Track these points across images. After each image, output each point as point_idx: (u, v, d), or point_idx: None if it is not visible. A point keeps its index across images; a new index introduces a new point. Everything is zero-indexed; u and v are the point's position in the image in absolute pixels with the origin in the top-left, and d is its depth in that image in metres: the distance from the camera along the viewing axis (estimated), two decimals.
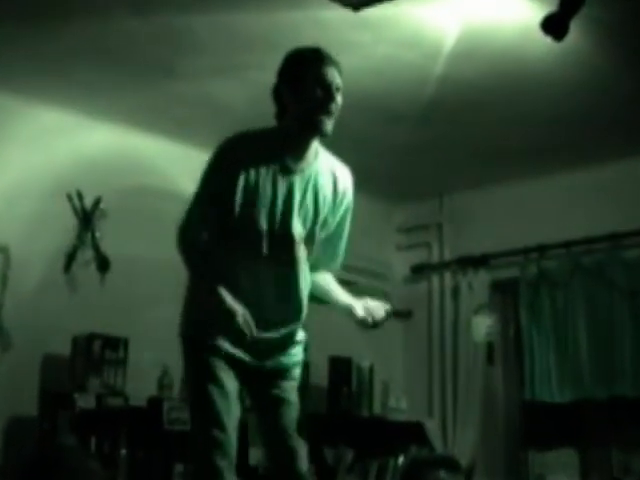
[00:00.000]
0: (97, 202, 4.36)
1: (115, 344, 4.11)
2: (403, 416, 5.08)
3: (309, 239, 2.48)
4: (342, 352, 4.99)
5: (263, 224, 2.38)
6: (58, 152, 4.28)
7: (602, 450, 4.75)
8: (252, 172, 2.36)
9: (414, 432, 5.00)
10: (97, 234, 4.34)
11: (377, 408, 5.11)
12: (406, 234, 5.75)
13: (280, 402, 2.49)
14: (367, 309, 2.55)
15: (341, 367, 4.99)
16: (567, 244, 4.85)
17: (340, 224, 2.57)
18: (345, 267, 2.70)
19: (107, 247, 4.36)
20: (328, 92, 2.36)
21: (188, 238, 2.45)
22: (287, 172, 2.41)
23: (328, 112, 2.37)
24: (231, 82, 4.04)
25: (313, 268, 2.58)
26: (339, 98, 2.40)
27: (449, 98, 4.14)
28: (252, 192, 2.37)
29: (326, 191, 2.49)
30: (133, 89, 4.13)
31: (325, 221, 2.52)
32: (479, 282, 5.24)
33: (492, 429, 5.14)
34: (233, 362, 2.44)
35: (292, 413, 2.49)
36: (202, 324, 2.46)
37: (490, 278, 5.23)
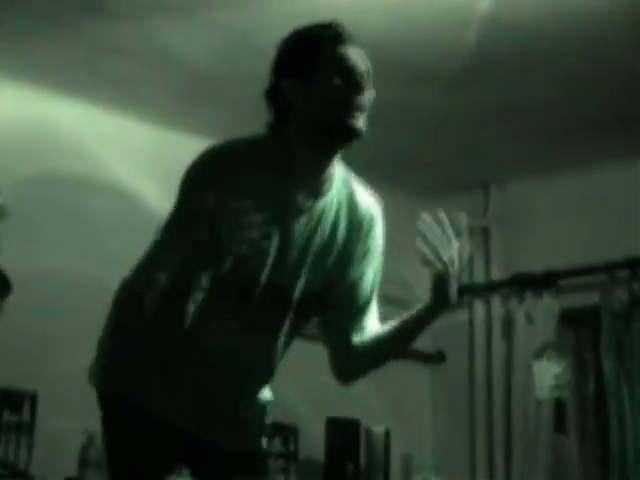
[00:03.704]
0: None
1: (17, 402, 4.11)
2: None
3: (317, 299, 2.50)
4: (346, 412, 5.00)
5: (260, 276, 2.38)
6: None
7: None
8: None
9: None
10: None
11: None
12: None
13: None
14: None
15: (344, 434, 4.97)
16: None
17: (365, 266, 2.57)
18: None
19: (7, 260, 4.34)
20: (354, 79, 2.37)
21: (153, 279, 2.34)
22: (294, 211, 2.40)
23: (357, 106, 2.37)
24: (185, 25, 4.04)
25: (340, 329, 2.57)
26: (370, 87, 2.40)
27: (499, 49, 4.15)
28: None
29: (343, 230, 2.49)
30: (45, 35, 4.12)
31: (342, 271, 2.53)
32: (543, 312, 5.24)
33: None
34: (175, 435, 2.46)
35: None
36: (138, 376, 2.48)
37: (558, 306, 5.24)
